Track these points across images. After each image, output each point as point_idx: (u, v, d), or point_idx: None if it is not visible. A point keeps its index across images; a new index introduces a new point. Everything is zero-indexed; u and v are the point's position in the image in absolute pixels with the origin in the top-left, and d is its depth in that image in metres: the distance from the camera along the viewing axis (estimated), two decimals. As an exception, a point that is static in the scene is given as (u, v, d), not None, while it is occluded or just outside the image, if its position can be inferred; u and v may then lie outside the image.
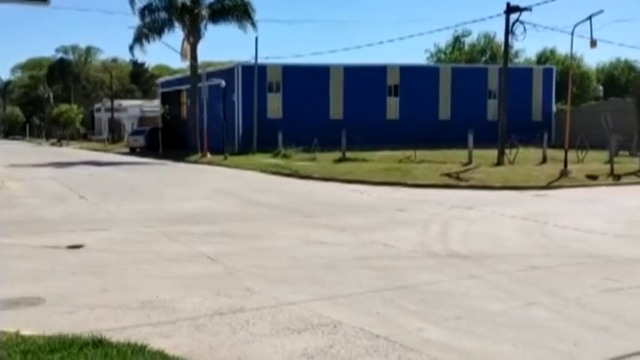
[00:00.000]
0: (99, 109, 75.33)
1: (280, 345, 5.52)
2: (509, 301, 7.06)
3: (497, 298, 7.19)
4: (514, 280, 8.05)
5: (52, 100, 78.75)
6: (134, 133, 48.37)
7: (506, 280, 8.01)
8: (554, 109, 44.45)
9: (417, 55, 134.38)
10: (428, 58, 63.37)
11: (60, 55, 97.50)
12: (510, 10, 25.66)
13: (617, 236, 11.52)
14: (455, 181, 21.08)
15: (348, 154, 28.14)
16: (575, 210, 15.15)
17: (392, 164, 25.10)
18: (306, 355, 5.30)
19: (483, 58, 61.28)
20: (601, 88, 59.03)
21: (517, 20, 25.55)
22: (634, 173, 23.21)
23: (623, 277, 8.19)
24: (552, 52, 61.78)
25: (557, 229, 12.18)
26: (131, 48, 38.91)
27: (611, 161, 23.51)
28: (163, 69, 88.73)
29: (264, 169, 26.08)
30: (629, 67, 65.10)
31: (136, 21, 39.13)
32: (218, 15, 37.65)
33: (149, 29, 37.85)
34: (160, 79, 55.30)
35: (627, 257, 9.62)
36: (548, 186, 20.43)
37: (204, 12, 37.16)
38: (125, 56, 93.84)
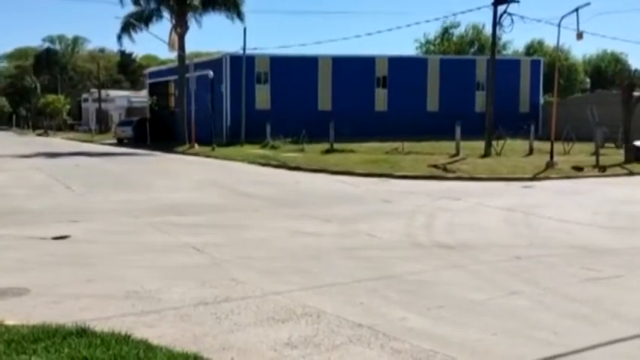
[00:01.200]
0: (86, 100, 74.80)
1: (264, 334, 5.57)
2: (492, 290, 7.14)
3: (480, 287, 7.27)
4: (497, 270, 8.15)
5: (38, 90, 78.19)
6: (122, 123, 48.09)
7: (489, 270, 8.10)
8: (541, 100, 44.67)
9: (406, 47, 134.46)
10: (417, 49, 63.49)
11: (46, 44, 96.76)
12: (498, 1, 25.74)
13: (600, 227, 11.66)
14: (442, 172, 21.19)
15: (336, 146, 28.19)
16: (560, 201, 15.29)
17: (380, 156, 25.17)
18: (290, 344, 5.35)
19: (472, 50, 61.40)
20: (588, 80, 59.38)
21: (505, 12, 25.68)
22: (619, 165, 23.44)
23: (604, 267, 8.31)
24: (540, 43, 61.95)
25: (541, 220, 12.30)
26: (119, 37, 38.75)
27: (596, 153, 23.71)
28: (151, 59, 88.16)
29: (252, 160, 26.09)
30: (615, 59, 65.41)
31: (123, 10, 39.01)
32: (207, 5, 37.49)
33: (136, 19, 37.65)
34: (148, 70, 54.98)
35: (609, 248, 9.75)
36: (535, 177, 20.59)
37: (195, 2, 36.98)
38: (113, 46, 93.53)
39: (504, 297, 6.88)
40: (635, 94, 25.57)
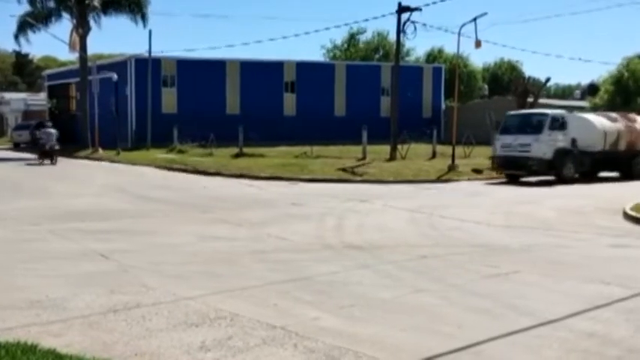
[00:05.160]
0: (-22, 102, 70.67)
1: (177, 339, 5.53)
2: (400, 288, 7.40)
3: (389, 286, 7.51)
4: (404, 269, 8.43)
5: None
6: (18, 127, 46.02)
7: (397, 269, 8.38)
8: (443, 106, 46.35)
9: (314, 53, 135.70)
10: (324, 54, 64.22)
11: None
12: (402, 9, 26.55)
13: (497, 226, 12.28)
14: (350, 175, 21.61)
15: (246, 150, 28.11)
16: (462, 202, 15.97)
17: (289, 160, 25.34)
18: (204, 347, 5.34)
19: (377, 56, 62.74)
20: (486, 86, 62.13)
21: (408, 20, 26.51)
22: (515, 167, 24.67)
23: (502, 263, 8.79)
24: (440, 51, 64.09)
25: (444, 220, 12.82)
26: (16, 37, 36.91)
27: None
28: (51, 60, 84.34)
29: (158, 165, 25.59)
30: (511, 67, 68.69)
31: (20, 9, 37.16)
32: (108, 6, 36.36)
33: (34, 18, 36.00)
34: (47, 72, 52.72)
35: (506, 245, 10.30)
36: (438, 180, 21.40)
37: (95, 2, 35.76)
38: (7, 46, 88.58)
39: (412, 294, 7.14)
40: (529, 100, 27.06)
